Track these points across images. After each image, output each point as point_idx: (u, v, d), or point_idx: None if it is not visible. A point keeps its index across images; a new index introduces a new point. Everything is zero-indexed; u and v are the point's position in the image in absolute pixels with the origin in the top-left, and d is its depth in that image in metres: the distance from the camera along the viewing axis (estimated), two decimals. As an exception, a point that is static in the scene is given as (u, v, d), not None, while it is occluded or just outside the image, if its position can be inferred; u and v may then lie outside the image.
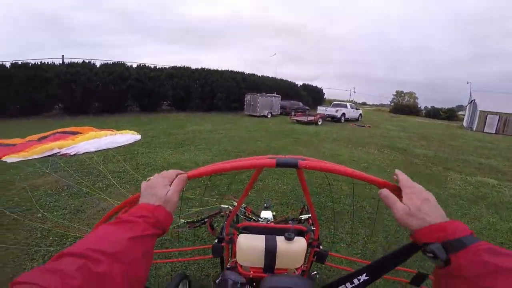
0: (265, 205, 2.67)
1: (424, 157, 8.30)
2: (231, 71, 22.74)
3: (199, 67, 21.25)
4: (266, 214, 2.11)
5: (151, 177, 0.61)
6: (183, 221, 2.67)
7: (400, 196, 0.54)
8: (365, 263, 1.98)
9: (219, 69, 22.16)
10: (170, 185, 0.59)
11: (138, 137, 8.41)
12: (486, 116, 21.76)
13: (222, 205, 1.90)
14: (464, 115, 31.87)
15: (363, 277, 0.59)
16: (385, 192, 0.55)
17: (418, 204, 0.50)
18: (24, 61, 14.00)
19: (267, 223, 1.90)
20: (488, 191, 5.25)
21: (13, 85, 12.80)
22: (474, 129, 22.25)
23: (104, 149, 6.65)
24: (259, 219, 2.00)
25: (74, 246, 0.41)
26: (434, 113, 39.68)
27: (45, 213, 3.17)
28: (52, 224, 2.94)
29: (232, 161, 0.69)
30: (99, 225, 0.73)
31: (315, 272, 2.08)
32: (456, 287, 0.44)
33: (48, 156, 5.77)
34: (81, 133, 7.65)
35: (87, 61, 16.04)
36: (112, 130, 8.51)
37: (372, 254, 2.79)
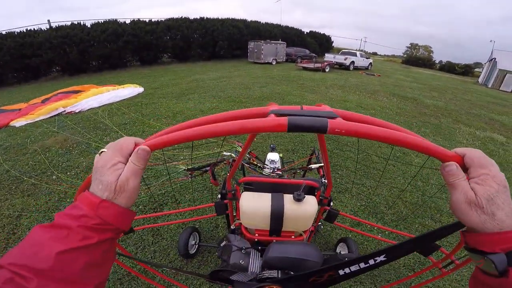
0: (271, 146, 2.66)
1: (434, 108, 8.05)
2: (232, 18, 21.35)
3: (198, 17, 19.87)
4: (273, 156, 2.06)
5: (104, 149, 0.43)
6: (184, 167, 2.67)
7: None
8: (374, 225, 2.04)
9: (219, 17, 20.78)
10: (127, 162, 0.42)
11: (140, 89, 8.30)
12: (505, 75, 20.98)
13: (224, 152, 1.84)
14: (480, 72, 30.50)
15: (380, 258, 0.53)
16: (452, 166, 0.40)
17: (492, 192, 0.36)
18: (9, 31, 13.56)
19: (273, 170, 1.80)
20: (496, 148, 5.12)
21: (3, 55, 12.66)
22: (489, 86, 21.66)
23: (108, 104, 6.64)
24: (265, 165, 1.94)
25: (6, 256, 0.35)
26: (449, 68, 37.73)
27: (60, 174, 3.29)
28: (67, 185, 3.06)
29: (217, 117, 0.46)
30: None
31: (320, 223, 2.16)
32: None
33: (54, 116, 5.79)
34: (83, 91, 7.53)
35: (76, 23, 15.30)
36: (113, 85, 8.36)
37: (376, 206, 2.88)
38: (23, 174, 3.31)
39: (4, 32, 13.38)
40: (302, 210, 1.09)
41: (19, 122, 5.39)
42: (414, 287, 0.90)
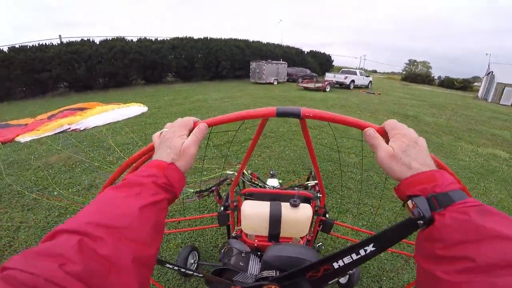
0: (271, 172, 2.71)
1: (435, 125, 8.09)
2: (235, 39, 21.96)
3: (202, 37, 20.53)
4: (273, 182, 2.12)
5: (164, 128, 0.53)
6: (192, 190, 2.72)
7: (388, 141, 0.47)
8: (371, 234, 2.07)
9: (223, 37, 21.43)
10: (188, 135, 0.51)
11: (144, 109, 8.46)
12: (504, 88, 20.92)
13: (228, 172, 1.92)
14: (479, 86, 30.49)
15: (370, 248, 0.53)
16: (371, 130, 0.49)
17: (404, 146, 0.43)
18: (22, 44, 13.94)
19: (273, 189, 1.87)
20: (499, 164, 5.11)
21: (14, 69, 12.88)
22: (489, 100, 21.60)
23: (112, 122, 6.75)
24: (266, 185, 1.99)
25: (72, 220, 0.33)
26: (448, 83, 37.79)
27: (61, 191, 3.31)
28: (68, 201, 3.07)
29: (230, 114, 0.62)
30: (106, 186, 0.67)
31: (320, 243, 2.15)
32: (430, 254, 0.36)
33: (59, 133, 5.89)
34: (88, 108, 7.69)
35: (85, 39, 15.78)
36: (118, 104, 8.54)
37: (378, 225, 2.85)
38: (25, 189, 3.34)
39: (17, 46, 13.70)
40: (298, 216, 1.17)
41: (24, 138, 5.49)
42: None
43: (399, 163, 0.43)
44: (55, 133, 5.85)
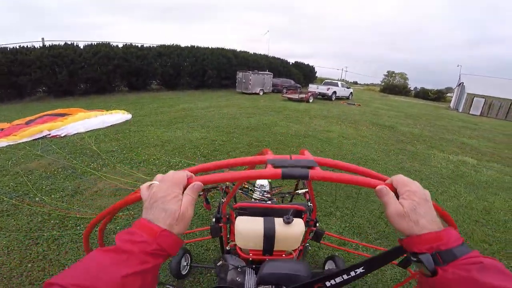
0: None
1: (410, 135, 8.59)
2: (222, 48, 22.07)
3: (189, 45, 20.48)
4: (262, 181, 2.17)
5: (154, 181, 0.48)
6: None
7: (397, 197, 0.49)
8: (357, 242, 2.22)
9: (210, 46, 21.51)
10: (183, 193, 0.47)
11: (128, 116, 8.31)
12: (473, 98, 22.20)
13: None
14: (452, 97, 32.03)
15: (360, 270, 0.59)
16: (382, 188, 0.50)
17: (414, 204, 0.46)
18: (2, 46, 13.19)
19: (263, 194, 1.93)
20: (468, 170, 5.55)
21: None
22: (460, 110, 22.76)
23: (95, 129, 6.59)
24: (255, 187, 2.04)
25: (65, 275, 0.36)
26: (423, 94, 39.80)
27: (43, 197, 3.22)
28: (52, 207, 2.99)
29: (228, 172, 0.58)
30: (90, 229, 0.66)
31: (307, 244, 2.25)
32: None
33: (38, 138, 5.69)
34: (69, 114, 7.48)
35: (69, 43, 15.20)
36: (101, 111, 8.36)
37: (359, 226, 3.03)
38: (3, 195, 3.22)
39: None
40: (291, 232, 1.23)
41: (0, 143, 5.25)
42: None
43: (407, 220, 0.45)
44: (34, 139, 5.64)
